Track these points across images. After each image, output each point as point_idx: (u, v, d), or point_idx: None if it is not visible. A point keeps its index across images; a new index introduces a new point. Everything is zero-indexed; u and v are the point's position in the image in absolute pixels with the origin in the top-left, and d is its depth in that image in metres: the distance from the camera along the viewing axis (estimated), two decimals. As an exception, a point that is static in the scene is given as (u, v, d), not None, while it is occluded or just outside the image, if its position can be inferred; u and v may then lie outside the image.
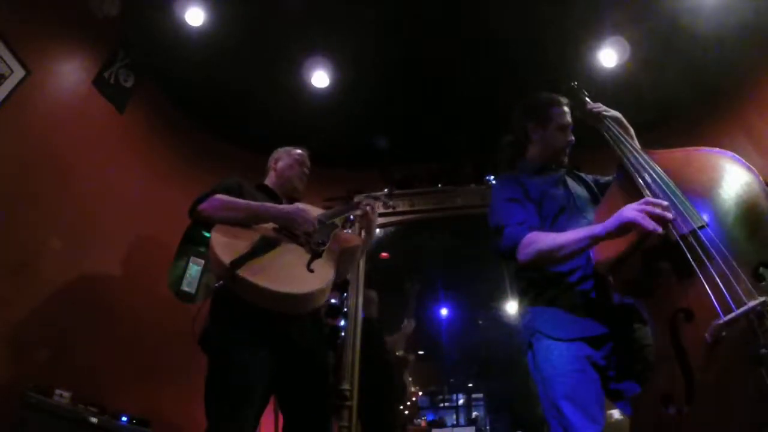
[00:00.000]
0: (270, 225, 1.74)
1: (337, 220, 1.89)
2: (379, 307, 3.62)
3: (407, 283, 4.21)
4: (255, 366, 1.52)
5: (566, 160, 1.75)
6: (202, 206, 1.69)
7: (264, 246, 1.59)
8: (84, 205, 2.86)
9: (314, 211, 1.90)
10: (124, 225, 3.11)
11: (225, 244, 1.57)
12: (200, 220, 1.70)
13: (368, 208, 2.01)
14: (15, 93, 2.53)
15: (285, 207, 1.78)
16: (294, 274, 1.58)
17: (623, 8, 3.05)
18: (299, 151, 2.13)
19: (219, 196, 1.71)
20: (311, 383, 1.67)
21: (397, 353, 3.89)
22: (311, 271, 1.62)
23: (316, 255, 1.68)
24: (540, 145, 1.74)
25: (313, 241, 1.71)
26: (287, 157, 2.09)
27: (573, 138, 1.72)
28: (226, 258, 1.49)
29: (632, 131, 1.64)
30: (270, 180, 2.07)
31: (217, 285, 1.49)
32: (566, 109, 1.72)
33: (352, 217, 2.08)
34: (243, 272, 1.48)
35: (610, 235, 1.25)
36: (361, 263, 3.27)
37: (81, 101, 2.99)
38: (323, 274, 1.64)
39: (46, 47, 2.78)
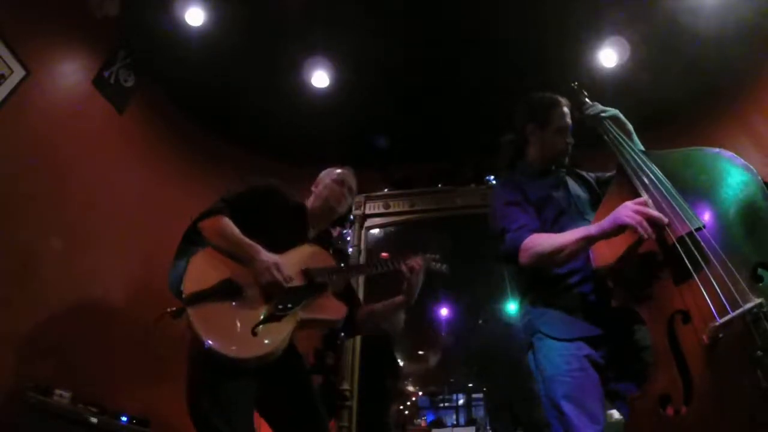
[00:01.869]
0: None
1: (330, 282, 1.70)
2: (404, 326, 3.62)
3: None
4: (235, 391, 1.48)
5: (566, 160, 1.74)
6: (204, 224, 1.67)
7: (225, 290, 1.55)
8: (84, 205, 2.86)
9: (320, 259, 1.77)
10: (123, 225, 3.11)
11: (197, 273, 1.58)
12: (200, 233, 1.69)
13: (412, 265, 1.82)
14: (15, 93, 2.53)
15: (262, 259, 1.61)
16: (233, 332, 1.50)
17: (623, 8, 3.05)
18: (339, 171, 2.01)
19: (221, 219, 1.66)
20: (294, 400, 1.65)
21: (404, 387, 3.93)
22: (254, 334, 1.51)
23: (272, 318, 1.57)
24: (538, 147, 1.73)
25: (277, 302, 1.60)
26: (327, 178, 2.00)
27: (572, 140, 1.71)
28: (188, 288, 1.52)
29: (630, 126, 1.62)
30: (309, 202, 1.96)
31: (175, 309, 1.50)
32: (566, 110, 1.71)
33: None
34: (192, 309, 1.49)
35: (604, 234, 1.28)
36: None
37: (81, 101, 2.99)
38: (264, 342, 1.51)
39: (46, 47, 2.78)
